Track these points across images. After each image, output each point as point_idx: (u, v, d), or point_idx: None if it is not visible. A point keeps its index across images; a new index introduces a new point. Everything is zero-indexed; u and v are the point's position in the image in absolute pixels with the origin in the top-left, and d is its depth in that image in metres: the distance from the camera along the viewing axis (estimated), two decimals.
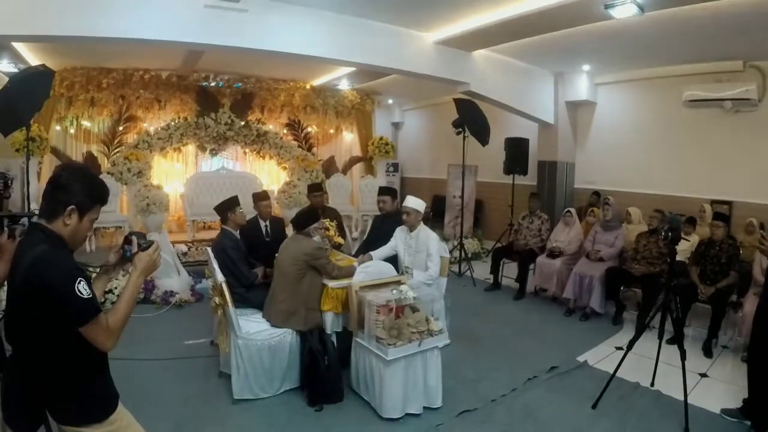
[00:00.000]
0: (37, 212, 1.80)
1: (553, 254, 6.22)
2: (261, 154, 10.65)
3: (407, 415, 3.43)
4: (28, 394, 1.71)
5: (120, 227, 8.33)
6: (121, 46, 6.04)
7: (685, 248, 5.38)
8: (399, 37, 6.44)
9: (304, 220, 4.03)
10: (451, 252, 6.20)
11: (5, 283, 1.86)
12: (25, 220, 2.14)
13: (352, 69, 8.52)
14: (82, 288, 1.61)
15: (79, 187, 1.74)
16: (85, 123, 9.17)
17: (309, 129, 11.48)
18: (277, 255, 4.09)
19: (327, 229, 4.88)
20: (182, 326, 5.11)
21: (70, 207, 1.72)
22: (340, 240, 5.19)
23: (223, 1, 5.03)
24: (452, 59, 6.91)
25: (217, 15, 5.14)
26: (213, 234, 6.17)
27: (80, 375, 1.73)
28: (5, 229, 2.02)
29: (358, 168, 12.09)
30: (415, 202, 4.51)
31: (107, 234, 8.73)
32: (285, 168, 10.65)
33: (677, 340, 3.68)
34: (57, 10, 4.58)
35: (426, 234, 4.48)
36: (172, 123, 9.40)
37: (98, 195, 1.82)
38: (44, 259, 1.62)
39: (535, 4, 5.10)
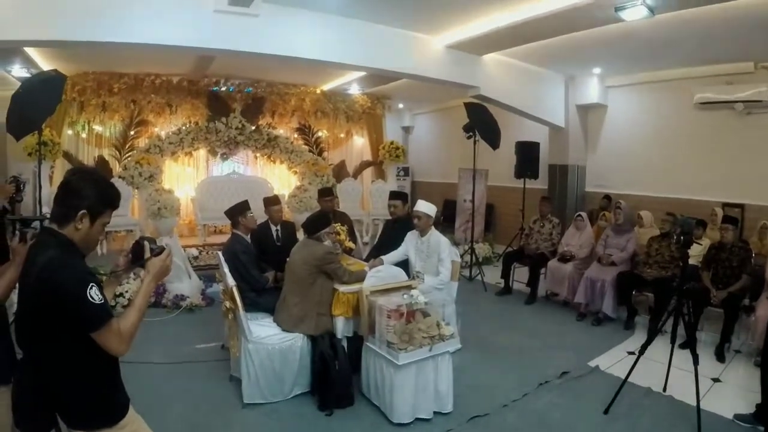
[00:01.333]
0: (48, 216, 1.80)
1: (565, 258, 6.19)
2: (272, 159, 10.69)
3: (417, 420, 3.41)
4: (39, 398, 1.71)
5: (131, 231, 8.41)
6: (132, 51, 6.10)
7: (697, 252, 5.33)
8: (409, 41, 6.45)
9: (315, 225, 4.04)
10: (462, 256, 6.19)
11: (16, 286, 1.86)
12: (36, 223, 2.15)
13: (363, 73, 8.54)
14: (93, 293, 1.61)
15: (91, 191, 1.73)
16: (97, 127, 9.28)
17: (319, 133, 11.54)
18: (288, 259, 4.10)
19: (338, 233, 4.87)
20: (193, 330, 5.13)
21: (82, 211, 1.70)
22: (350, 244, 5.19)
23: (234, 6, 5.06)
24: (462, 63, 6.89)
25: (228, 20, 5.17)
26: (224, 238, 6.19)
27: (91, 379, 1.72)
28: (16, 232, 2.02)
29: (368, 172, 12.13)
30: (426, 207, 4.50)
31: (118, 237, 8.80)
32: (296, 172, 10.70)
33: (690, 344, 3.64)
34: (69, 16, 4.64)
35: (437, 238, 4.48)
36: (183, 127, 9.47)
37: (109, 199, 1.81)
38: (55, 264, 1.61)
39: (545, 7, 5.09)
